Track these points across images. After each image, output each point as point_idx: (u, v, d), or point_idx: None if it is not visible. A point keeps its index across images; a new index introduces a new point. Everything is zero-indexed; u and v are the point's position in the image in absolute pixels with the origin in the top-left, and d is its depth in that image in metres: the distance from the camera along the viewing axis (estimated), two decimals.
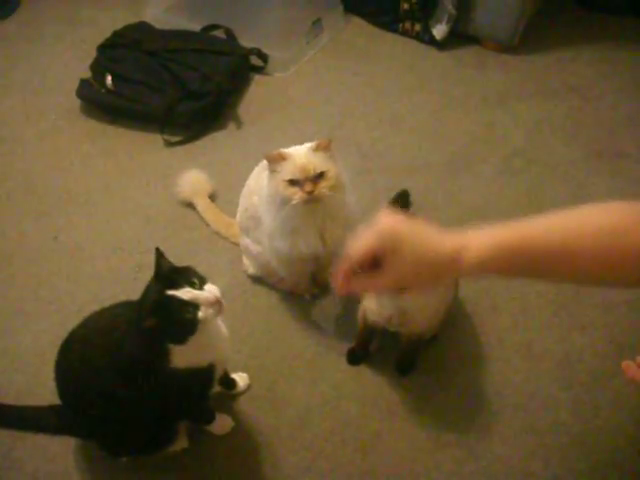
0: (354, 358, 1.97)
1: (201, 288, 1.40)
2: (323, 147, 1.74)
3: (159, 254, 1.44)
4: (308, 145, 1.77)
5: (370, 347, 1.97)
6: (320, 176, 1.72)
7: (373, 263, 1.04)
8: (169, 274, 1.42)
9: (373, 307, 1.71)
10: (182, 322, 1.37)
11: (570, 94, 2.90)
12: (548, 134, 2.72)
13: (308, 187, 1.70)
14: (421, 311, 1.69)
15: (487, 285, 2.14)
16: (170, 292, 1.36)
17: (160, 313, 1.36)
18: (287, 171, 1.72)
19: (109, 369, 1.50)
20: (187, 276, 1.42)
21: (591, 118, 2.79)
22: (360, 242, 1.05)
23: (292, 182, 1.72)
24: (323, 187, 1.72)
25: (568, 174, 2.53)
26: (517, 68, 3.04)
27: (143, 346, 1.42)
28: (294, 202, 1.72)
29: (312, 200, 1.73)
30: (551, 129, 2.74)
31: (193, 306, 1.37)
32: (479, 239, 1.02)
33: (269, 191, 1.80)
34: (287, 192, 1.73)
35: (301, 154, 1.74)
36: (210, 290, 1.41)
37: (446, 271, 1.06)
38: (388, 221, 1.04)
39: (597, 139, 2.68)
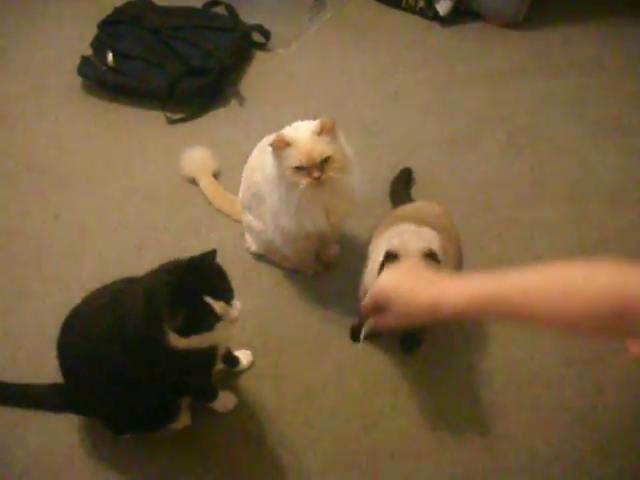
0: (357, 335, 1.96)
1: (229, 302, 1.42)
2: (327, 130, 1.71)
3: (214, 255, 1.44)
4: (311, 126, 1.73)
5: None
6: (326, 160, 1.70)
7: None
8: (212, 277, 1.43)
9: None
10: (200, 326, 1.39)
11: (575, 70, 2.88)
12: (553, 111, 2.70)
13: (315, 173, 1.69)
14: None
15: (491, 263, 2.13)
16: (208, 299, 1.38)
17: (191, 314, 1.37)
18: (293, 158, 1.70)
19: (112, 345, 1.50)
20: (225, 287, 1.44)
21: (596, 95, 2.76)
22: (370, 294, 1.33)
23: (299, 168, 1.70)
24: (330, 171, 1.71)
25: (573, 151, 2.52)
26: (522, 44, 3.01)
27: (147, 322, 1.42)
28: (302, 187, 1.72)
29: (319, 185, 1.72)
30: (556, 106, 2.72)
31: (217, 318, 1.39)
32: (453, 295, 1.19)
33: (274, 174, 1.79)
34: (294, 178, 1.72)
35: (306, 139, 1.70)
36: (236, 307, 1.43)
37: (426, 316, 1.24)
38: (383, 283, 1.31)
39: (602, 116, 2.67)
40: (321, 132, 1.70)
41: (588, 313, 1.05)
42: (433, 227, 1.70)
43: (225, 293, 1.42)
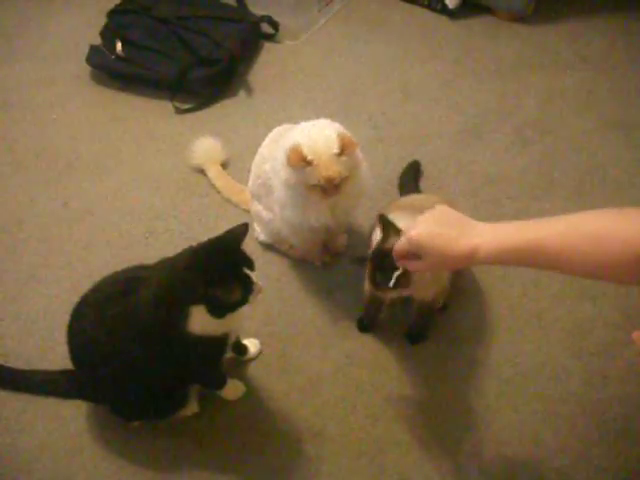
0: (364, 326, 1.98)
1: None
2: (348, 152, 1.68)
3: (246, 228, 1.46)
4: (331, 143, 1.67)
5: (379, 315, 1.97)
6: (343, 179, 1.70)
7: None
8: (242, 250, 1.46)
9: None
10: (240, 300, 1.43)
11: (583, 65, 2.88)
12: (561, 105, 2.70)
13: (332, 192, 1.71)
14: (417, 278, 1.66)
15: None
16: (247, 271, 1.41)
17: (239, 289, 1.41)
18: (311, 177, 1.68)
19: (123, 332, 1.50)
20: (249, 258, 1.47)
21: (604, 89, 2.77)
22: (400, 242, 1.40)
23: (314, 185, 1.70)
24: (345, 189, 1.73)
25: (580, 145, 2.52)
26: (530, 38, 3.02)
27: (165, 308, 1.43)
28: (314, 199, 1.74)
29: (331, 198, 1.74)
30: (564, 100, 2.72)
31: (251, 289, 1.43)
32: (488, 242, 1.24)
33: (287, 179, 1.77)
34: (309, 191, 1.73)
35: (326, 160, 1.66)
36: (259, 280, 1.46)
37: (462, 264, 1.37)
38: (417, 231, 1.32)
39: (610, 110, 2.67)
40: (342, 153, 1.67)
41: (620, 260, 1.09)
42: None
43: (253, 264, 1.46)
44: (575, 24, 3.09)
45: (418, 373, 1.89)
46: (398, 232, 1.54)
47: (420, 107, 2.69)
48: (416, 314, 1.90)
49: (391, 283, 1.52)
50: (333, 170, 1.66)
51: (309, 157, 1.67)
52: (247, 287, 1.43)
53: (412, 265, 1.41)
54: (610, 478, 1.69)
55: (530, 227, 1.22)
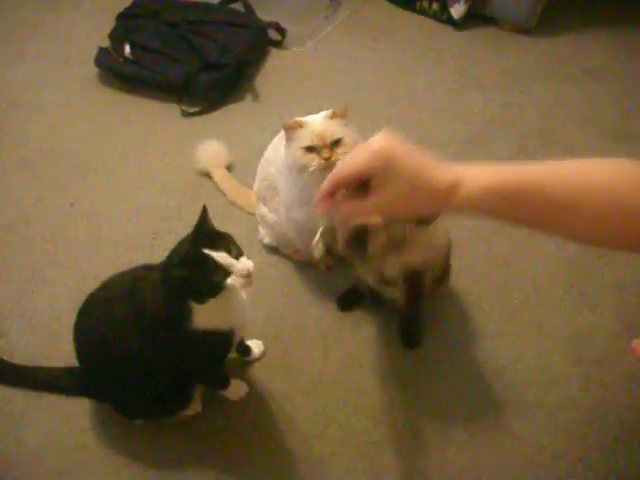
0: (344, 302, 2.02)
1: (237, 258, 1.41)
2: (340, 114, 1.76)
3: (204, 212, 1.45)
4: (324, 113, 1.79)
5: (361, 293, 2.00)
6: (337, 143, 1.74)
7: (360, 187, 0.98)
8: (209, 234, 1.44)
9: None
10: (208, 283, 1.38)
11: (586, 77, 2.90)
12: (563, 116, 2.72)
13: (325, 153, 1.72)
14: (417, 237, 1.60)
15: (500, 261, 2.16)
16: (206, 250, 1.38)
17: (191, 267, 1.37)
18: (304, 138, 1.74)
19: (130, 331, 1.52)
20: (226, 242, 1.43)
21: (606, 101, 2.79)
22: (351, 159, 0.98)
23: (309, 149, 1.74)
24: (340, 154, 1.74)
25: (582, 155, 2.44)
26: (534, 50, 3.04)
27: (167, 304, 1.44)
28: (311, 169, 1.75)
29: (329, 167, 1.73)
30: (566, 111, 2.74)
31: (224, 271, 1.38)
32: (476, 177, 0.96)
33: (286, 160, 1.82)
34: (304, 159, 1.75)
35: (317, 122, 1.76)
36: (244, 263, 1.42)
37: (437, 204, 0.99)
38: (385, 141, 0.96)
39: (612, 122, 2.68)
40: (333, 116, 1.77)
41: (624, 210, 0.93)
42: None
43: (225, 245, 1.42)
44: (579, 37, 3.11)
45: (419, 377, 1.90)
46: None
47: (424, 115, 2.71)
48: (404, 305, 1.88)
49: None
50: (323, 127, 1.74)
51: (302, 121, 1.77)
52: (207, 267, 1.38)
53: (352, 206, 1.00)
54: None
55: (530, 170, 0.98)
